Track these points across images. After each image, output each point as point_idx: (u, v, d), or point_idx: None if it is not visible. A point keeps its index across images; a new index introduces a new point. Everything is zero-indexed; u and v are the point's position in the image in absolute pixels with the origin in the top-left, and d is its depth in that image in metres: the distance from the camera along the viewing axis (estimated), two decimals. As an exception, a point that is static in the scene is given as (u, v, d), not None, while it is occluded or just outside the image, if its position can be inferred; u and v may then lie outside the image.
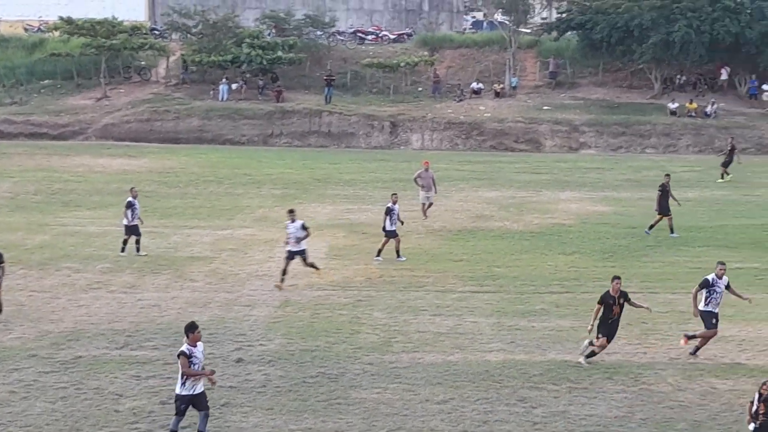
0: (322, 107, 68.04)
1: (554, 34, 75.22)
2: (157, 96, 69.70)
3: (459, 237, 37.07)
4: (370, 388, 20.72)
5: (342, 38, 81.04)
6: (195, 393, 17.67)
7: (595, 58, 74.18)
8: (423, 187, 40.13)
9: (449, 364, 22.34)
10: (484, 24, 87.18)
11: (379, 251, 33.14)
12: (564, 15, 74.54)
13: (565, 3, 75.92)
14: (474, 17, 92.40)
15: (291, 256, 29.14)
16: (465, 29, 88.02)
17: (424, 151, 64.55)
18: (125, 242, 33.44)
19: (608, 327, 22.12)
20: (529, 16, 76.22)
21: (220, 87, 69.71)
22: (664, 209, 37.51)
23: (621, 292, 22.18)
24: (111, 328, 24.80)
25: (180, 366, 17.56)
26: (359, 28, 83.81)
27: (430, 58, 74.73)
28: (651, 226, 37.60)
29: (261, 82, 71.19)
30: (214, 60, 70.64)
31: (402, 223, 34.04)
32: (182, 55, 73.12)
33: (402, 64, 72.78)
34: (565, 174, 54.26)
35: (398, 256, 33.06)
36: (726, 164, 53.15)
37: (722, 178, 52.66)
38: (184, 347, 17.65)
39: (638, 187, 49.77)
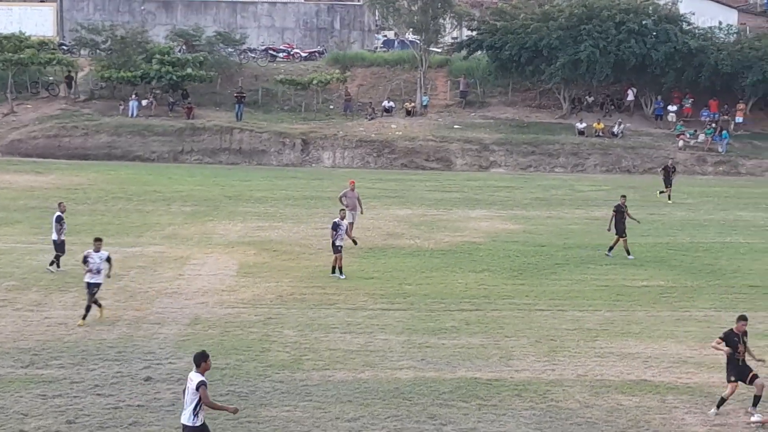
0: (233, 124, 67.81)
1: (464, 53, 75.86)
2: (65, 112, 68.90)
3: (370, 255, 37.12)
4: (280, 406, 20.64)
5: (253, 55, 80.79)
6: (200, 425, 16.88)
7: (504, 77, 75.01)
8: (347, 206, 39.02)
9: (360, 381, 22.34)
10: (396, 43, 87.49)
11: (338, 268, 33.19)
12: (474, 35, 75.21)
13: (475, 23, 76.60)
14: (385, 36, 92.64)
15: (91, 288, 27.09)
16: (376, 48, 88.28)
17: (335, 168, 64.67)
18: (57, 258, 32.99)
19: (738, 369, 20.69)
20: (439, 35, 76.66)
21: (130, 103, 69.13)
22: (620, 230, 37.29)
23: (744, 331, 20.88)
24: (16, 347, 24.39)
25: (201, 397, 16.58)
26: (271, 46, 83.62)
27: (342, 76, 74.84)
28: (610, 248, 37.40)
29: (171, 99, 70.73)
30: (124, 76, 69.99)
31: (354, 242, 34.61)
32: (91, 70, 72.35)
33: (314, 82, 72.81)
34: (476, 192, 54.67)
35: (339, 272, 33.13)
36: (667, 185, 53.42)
37: (666, 197, 52.98)
38: (202, 377, 16.73)
39: (547, 205, 50.34)
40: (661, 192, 53.46)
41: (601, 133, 69.48)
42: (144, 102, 70.03)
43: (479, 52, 75.13)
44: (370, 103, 73.38)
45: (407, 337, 26.02)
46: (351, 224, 38.30)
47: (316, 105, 73.27)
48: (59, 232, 33.04)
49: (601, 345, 25.60)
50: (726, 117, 72.13)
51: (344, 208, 35.58)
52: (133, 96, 69.55)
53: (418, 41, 75.63)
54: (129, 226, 41.75)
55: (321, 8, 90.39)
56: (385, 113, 72.66)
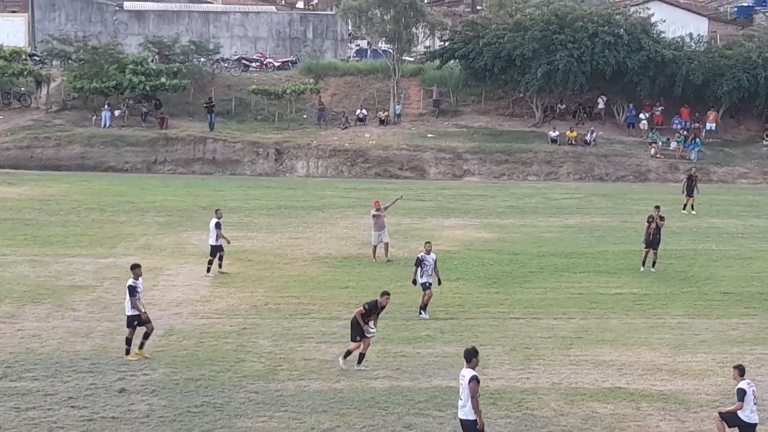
0: (206, 134, 67.70)
1: (437, 62, 76.03)
2: (38, 122, 68.62)
3: (345, 264, 37.12)
4: (255, 417, 20.60)
5: (226, 65, 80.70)
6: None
7: (477, 86, 75.16)
8: (377, 226, 37.94)
9: (335, 391, 22.33)
10: (369, 52, 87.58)
11: (423, 306, 29.85)
12: (447, 44, 75.40)
13: (448, 32, 76.78)
14: (358, 45, 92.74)
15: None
16: (349, 57, 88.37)
17: (309, 178, 64.66)
18: None
19: None
20: (412, 45, 76.81)
21: (103, 113, 68.88)
22: (649, 242, 36.68)
23: None
24: (-11, 360, 24.26)
25: (470, 392, 17.68)
26: (243, 55, 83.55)
27: (315, 85, 74.85)
28: (643, 262, 36.82)
29: (144, 109, 70.49)
30: (96, 86, 69.74)
31: (439, 281, 30.54)
32: (64, 81, 72.12)
33: (287, 92, 72.79)
34: (449, 201, 54.76)
35: (423, 311, 29.77)
36: (689, 194, 52.29)
37: (685, 208, 51.91)
38: (474, 372, 17.84)
39: (520, 213, 50.47)
40: (684, 206, 52.05)
41: (573, 142, 69.73)
42: (117, 112, 69.78)
43: (452, 62, 75.29)
44: (344, 112, 73.41)
45: (382, 346, 26.00)
46: (377, 246, 37.97)
47: (290, 114, 73.23)
48: None
49: (576, 353, 25.68)
50: (697, 125, 72.55)
51: (429, 241, 31.29)
52: (106, 106, 69.30)
53: (391, 50, 75.73)
54: (102, 237, 41.58)
55: (294, 18, 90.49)
56: (358, 122, 72.70)
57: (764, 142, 71.38)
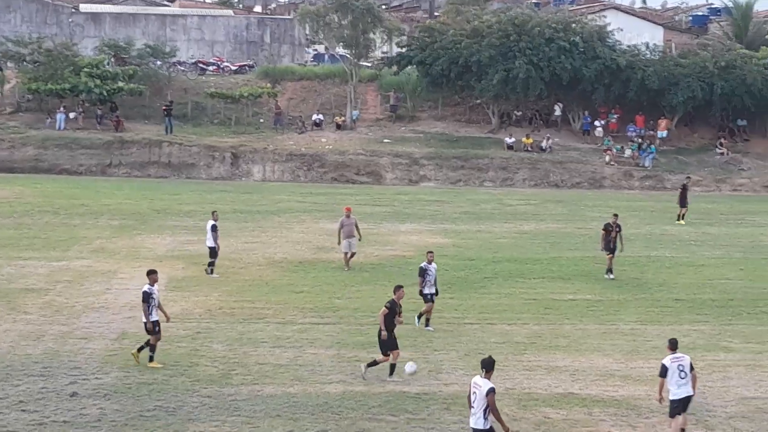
0: (162, 137, 67.36)
1: (395, 68, 76.13)
2: (-9, 124, 68.04)
3: (300, 268, 37.06)
4: (208, 421, 20.51)
5: (183, 69, 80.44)
6: (489, 428, 17.48)
7: (434, 92, 75.33)
8: (346, 234, 37.18)
9: (289, 396, 22.28)
10: (326, 57, 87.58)
11: (425, 318, 29.12)
12: (404, 50, 75.53)
13: (405, 38, 76.92)
14: (316, 50, 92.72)
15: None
16: (307, 62, 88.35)
17: (265, 182, 64.55)
18: None
19: None
20: (369, 50, 76.90)
21: (57, 116, 68.38)
22: (608, 248, 36.67)
23: None
24: (-61, 363, 24.01)
25: (490, 404, 17.39)
26: (200, 59, 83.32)
27: (272, 89, 74.78)
28: (609, 270, 36.72)
29: (99, 112, 70.04)
30: (51, 89, 69.25)
31: (437, 291, 29.51)
32: (18, 82, 71.56)
33: (244, 95, 72.66)
34: (405, 206, 54.82)
35: (426, 323, 29.01)
36: (683, 204, 51.93)
37: (679, 219, 51.67)
38: (491, 384, 17.60)
39: (476, 219, 50.61)
40: (678, 217, 51.86)
41: (529, 148, 70.06)
42: (72, 115, 69.29)
43: (409, 67, 75.43)
44: (301, 116, 73.36)
45: (337, 351, 26.00)
46: (348, 254, 37.15)
47: (246, 118, 73.08)
48: None
49: (529, 358, 25.78)
50: (652, 132, 73.13)
51: (431, 251, 30.38)
52: (61, 109, 68.81)
53: (349, 56, 75.79)
54: (56, 239, 41.28)
55: (251, 22, 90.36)
56: (315, 127, 72.67)
57: (717, 151, 72.05)
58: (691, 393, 20.09)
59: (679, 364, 19.98)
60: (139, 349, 24.49)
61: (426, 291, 28.99)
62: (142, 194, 55.55)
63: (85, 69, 70.43)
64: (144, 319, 24.52)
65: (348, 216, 37.46)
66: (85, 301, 30.88)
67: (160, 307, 24.74)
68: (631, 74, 71.51)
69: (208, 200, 53.96)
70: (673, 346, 20.32)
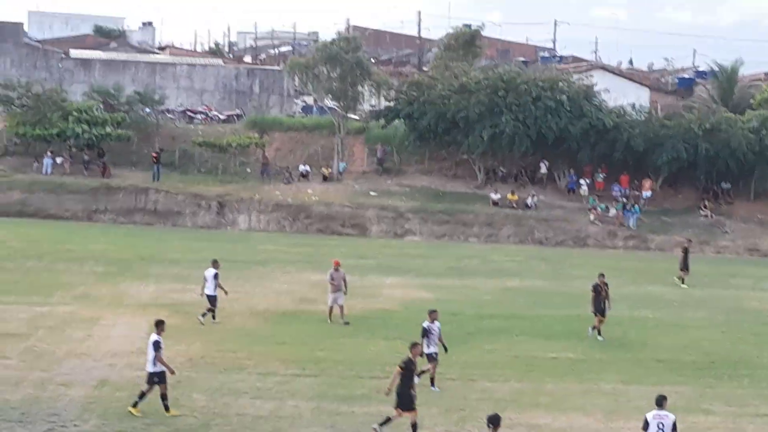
0: (149, 184, 67.47)
1: (382, 121, 76.48)
2: (-23, 168, 68.03)
3: (283, 319, 37.01)
4: (187, 472, 20.41)
5: (171, 116, 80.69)
6: None
7: (421, 146, 75.62)
8: (334, 287, 36.63)
9: (268, 448, 22.19)
10: (314, 109, 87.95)
11: (429, 378, 28.43)
12: (392, 104, 75.91)
13: (393, 92, 77.35)
14: (304, 102, 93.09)
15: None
16: (295, 113, 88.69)
17: (251, 231, 64.59)
18: None
19: None
20: (358, 103, 77.26)
21: (44, 160, 68.51)
22: (598, 309, 36.42)
23: None
24: None
25: None
26: (189, 107, 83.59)
27: (260, 139, 75.03)
28: (599, 331, 36.45)
29: (86, 157, 70.12)
30: (39, 133, 69.34)
31: (445, 348, 28.84)
32: (6, 126, 71.64)
33: (231, 145, 72.85)
34: (390, 259, 54.86)
35: (431, 383, 28.32)
36: (682, 268, 51.60)
37: (682, 282, 51.28)
38: None
39: (460, 274, 50.66)
40: (679, 277, 51.48)
41: (514, 205, 70.31)
42: (59, 159, 69.37)
43: (397, 121, 75.78)
44: (288, 167, 73.57)
45: (317, 403, 25.92)
46: (341, 306, 36.66)
47: (233, 168, 73.24)
48: None
49: (510, 416, 25.68)
50: (636, 192, 73.47)
51: (435, 310, 29.49)
52: (48, 153, 68.91)
53: (337, 108, 76.11)
54: (39, 284, 41.18)
55: (240, 72, 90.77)
56: (302, 178, 72.86)
57: (701, 212, 72.36)
58: None
59: (660, 422, 20.07)
60: (166, 409, 24.36)
61: (429, 351, 28.14)
62: (127, 241, 55.53)
63: (74, 113, 70.59)
64: (151, 369, 24.39)
65: (336, 269, 37.03)
66: (66, 347, 30.75)
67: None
68: (616, 134, 71.97)
69: (193, 249, 53.96)
70: (659, 402, 20.44)
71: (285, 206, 67.52)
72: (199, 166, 73.05)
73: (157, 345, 24.34)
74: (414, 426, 23.27)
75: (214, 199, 67.20)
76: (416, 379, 27.27)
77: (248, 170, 73.54)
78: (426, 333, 28.33)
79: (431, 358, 28.23)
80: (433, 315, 28.81)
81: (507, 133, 70.23)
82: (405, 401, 23.20)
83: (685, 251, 52.33)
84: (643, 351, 34.95)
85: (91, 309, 36.56)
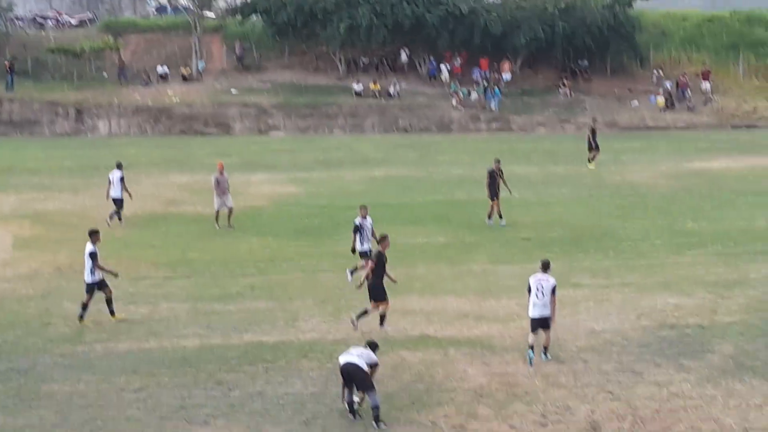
0: (2, 94, 65.56)
1: (239, 18, 75.42)
2: None
3: (151, 223, 36.65)
4: (62, 381, 20.19)
5: (21, 24, 78.25)
6: None
7: (281, 41, 74.91)
8: (221, 192, 35.50)
9: (145, 351, 22.06)
10: (169, 8, 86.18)
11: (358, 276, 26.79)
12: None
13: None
14: (158, 2, 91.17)
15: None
16: (149, 14, 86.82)
17: (112, 137, 63.53)
18: None
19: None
20: (213, 0, 76.02)
21: None
22: (492, 194, 36.30)
23: None
24: None
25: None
26: (38, 13, 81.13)
27: (115, 43, 73.38)
28: (489, 215, 36.53)
29: (-66, 70, 67.86)
30: None
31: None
32: None
33: (86, 50, 71.11)
34: (256, 156, 54.57)
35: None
36: (591, 148, 51.02)
37: (590, 162, 50.93)
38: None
39: (327, 167, 50.69)
40: (589, 159, 51.07)
41: (377, 94, 70.32)
42: None
43: (254, 17, 74.81)
44: (145, 69, 72.19)
45: (192, 304, 25.80)
46: (230, 209, 35.63)
47: (90, 73, 71.61)
48: None
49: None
50: (496, 75, 74.05)
51: (364, 205, 28.72)
52: None
53: (191, 6, 74.74)
54: None
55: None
56: (160, 80, 71.63)
57: (560, 91, 73.36)
58: (545, 315, 21.09)
59: (539, 284, 20.78)
60: (112, 313, 24.35)
61: (363, 248, 27.76)
62: (-17, 153, 54.11)
63: None
64: (89, 280, 24.17)
65: (221, 173, 35.69)
66: (-72, 265, 30.02)
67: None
68: (474, 19, 72.23)
69: (54, 157, 52.91)
70: (543, 266, 21.25)
71: (145, 109, 66.45)
72: (54, 73, 71.20)
73: (93, 255, 24.04)
74: (382, 317, 23.64)
75: (72, 105, 65.75)
76: (349, 277, 27.56)
77: (105, 75, 71.99)
78: (358, 229, 27.92)
79: (364, 255, 27.53)
80: (363, 210, 28.24)
81: (364, 24, 69.92)
82: (377, 294, 23.48)
83: (593, 131, 51.82)
84: (511, 231, 35.49)
85: (-49, 225, 35.68)
